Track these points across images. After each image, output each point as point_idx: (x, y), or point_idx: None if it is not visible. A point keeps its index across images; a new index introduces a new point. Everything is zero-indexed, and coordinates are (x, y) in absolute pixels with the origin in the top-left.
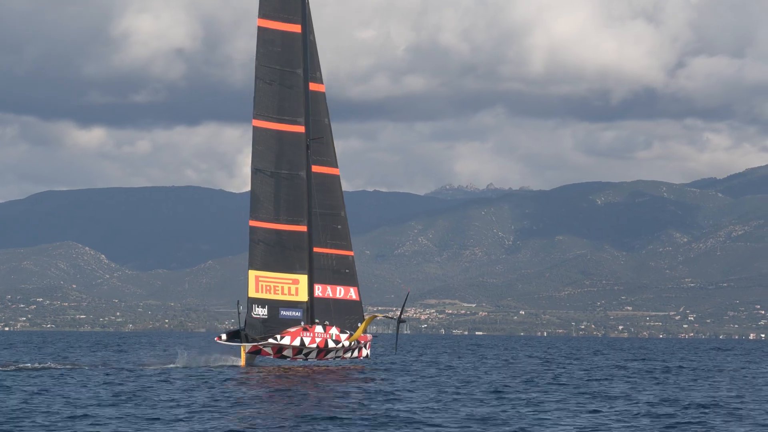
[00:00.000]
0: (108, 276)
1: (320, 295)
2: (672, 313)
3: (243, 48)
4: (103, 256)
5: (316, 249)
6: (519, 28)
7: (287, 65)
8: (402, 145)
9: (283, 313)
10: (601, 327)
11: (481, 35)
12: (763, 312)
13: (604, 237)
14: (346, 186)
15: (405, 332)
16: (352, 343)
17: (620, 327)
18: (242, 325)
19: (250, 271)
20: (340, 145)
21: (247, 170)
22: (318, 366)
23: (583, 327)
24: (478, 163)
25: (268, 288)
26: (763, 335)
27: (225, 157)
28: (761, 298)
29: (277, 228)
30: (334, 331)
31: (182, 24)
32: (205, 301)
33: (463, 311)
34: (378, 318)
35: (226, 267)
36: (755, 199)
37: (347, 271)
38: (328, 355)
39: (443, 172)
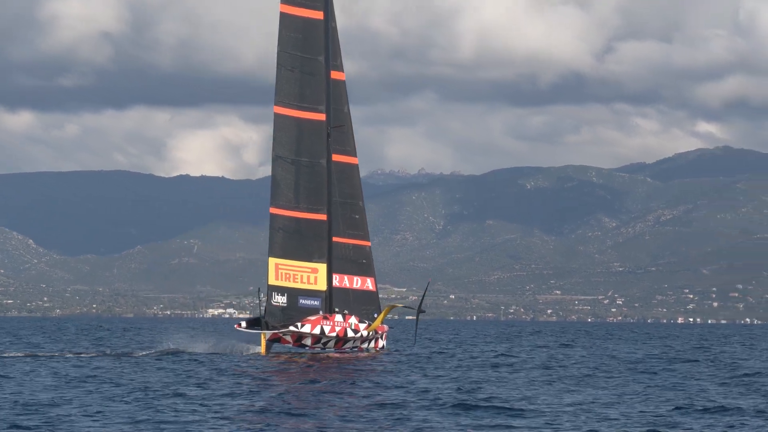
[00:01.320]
0: (36, 261)
1: (338, 284)
2: (600, 297)
3: (171, 31)
4: (30, 240)
5: (334, 238)
6: (448, 12)
7: (309, 52)
8: None
9: (302, 301)
10: (530, 311)
11: (411, 19)
12: (691, 296)
13: (534, 221)
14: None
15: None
16: (370, 333)
17: (549, 311)
18: (262, 312)
19: (270, 258)
20: (269, 129)
21: (177, 154)
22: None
23: (512, 311)
24: (409, 148)
25: (287, 276)
26: (691, 319)
27: (155, 142)
28: (689, 282)
29: (296, 216)
30: (353, 320)
31: (109, 7)
32: (134, 287)
33: (393, 296)
34: (397, 308)
35: (155, 252)
36: (684, 184)
37: (364, 261)
38: (346, 345)
39: (375, 156)
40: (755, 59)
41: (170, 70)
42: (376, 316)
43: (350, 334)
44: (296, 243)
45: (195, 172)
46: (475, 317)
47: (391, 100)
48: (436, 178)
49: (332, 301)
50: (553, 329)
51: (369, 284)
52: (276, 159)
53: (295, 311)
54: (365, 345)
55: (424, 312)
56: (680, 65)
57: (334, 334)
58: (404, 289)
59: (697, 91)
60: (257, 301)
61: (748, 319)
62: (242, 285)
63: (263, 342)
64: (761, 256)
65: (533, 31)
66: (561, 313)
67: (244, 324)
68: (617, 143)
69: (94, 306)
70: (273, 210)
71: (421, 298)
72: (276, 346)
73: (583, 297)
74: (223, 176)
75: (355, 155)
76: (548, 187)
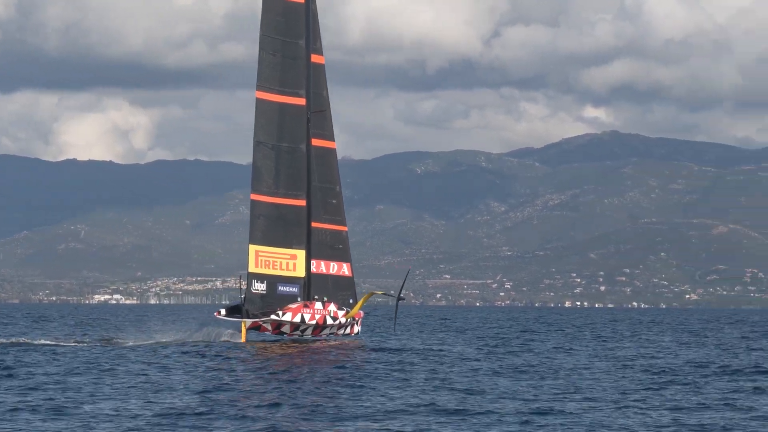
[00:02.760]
0: None
1: (315, 270)
2: (489, 281)
3: (58, 15)
4: None
5: (312, 224)
6: None
7: (290, 36)
8: (223, 113)
9: (281, 288)
10: (420, 295)
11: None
12: (578, 280)
13: (424, 206)
14: (166, 155)
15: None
16: (348, 319)
17: (438, 295)
18: (242, 300)
19: (250, 245)
20: (159, 113)
21: (64, 138)
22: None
23: (402, 295)
24: None
25: (267, 263)
26: (578, 303)
27: (41, 126)
28: (577, 266)
29: (276, 202)
30: (332, 307)
31: None
32: (20, 272)
33: None
34: (376, 294)
35: (42, 237)
36: (571, 169)
37: (341, 246)
38: (323, 332)
39: None
40: (641, 44)
41: (57, 53)
42: (352, 302)
43: (329, 321)
44: (276, 229)
45: (82, 157)
46: None
47: None
48: None
49: (311, 287)
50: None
51: (345, 269)
52: (257, 145)
53: (273, 298)
54: (341, 331)
55: (403, 299)
56: (567, 50)
57: (313, 322)
58: None
59: (583, 76)
60: (143, 288)
61: (635, 303)
62: (130, 271)
63: (243, 330)
64: (648, 240)
65: (421, 16)
66: (450, 297)
67: (223, 312)
68: (506, 128)
69: None
70: (254, 196)
71: (400, 285)
72: (254, 334)
73: (472, 281)
74: (111, 161)
75: (333, 139)
76: (438, 172)
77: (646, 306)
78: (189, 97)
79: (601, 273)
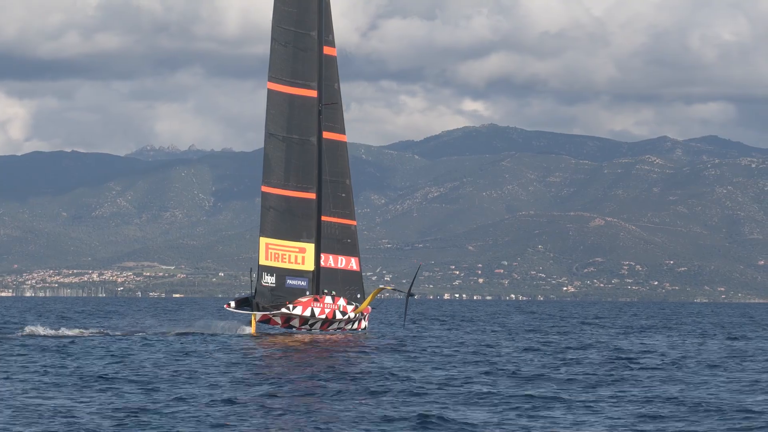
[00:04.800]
0: None
1: (323, 264)
2: (369, 273)
3: None
4: None
5: (322, 217)
6: None
7: (302, 27)
8: (100, 104)
9: (290, 281)
10: None
11: None
12: (457, 272)
13: None
14: (42, 146)
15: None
16: (356, 314)
17: None
18: (253, 292)
19: (261, 238)
20: (34, 104)
21: None
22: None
23: None
24: (179, 124)
25: (276, 256)
26: (457, 295)
27: None
28: (456, 258)
29: (286, 194)
30: (341, 302)
31: None
32: None
33: (161, 273)
34: (386, 289)
35: None
36: (451, 161)
37: (349, 241)
38: (331, 327)
39: (144, 132)
40: (517, 37)
41: None
42: (359, 296)
43: (338, 316)
44: (286, 222)
45: None
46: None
47: (157, 75)
48: (206, 155)
49: (319, 281)
50: None
51: (353, 264)
52: (268, 136)
53: (282, 291)
54: (349, 326)
55: (413, 295)
56: (442, 43)
57: (323, 316)
58: (172, 267)
59: (461, 69)
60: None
61: (513, 295)
62: (5, 263)
63: (253, 322)
64: (526, 232)
65: None
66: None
67: (233, 304)
68: (386, 121)
69: None
70: (264, 189)
71: (411, 281)
72: (264, 327)
73: None
74: None
75: (344, 132)
76: None
77: (524, 298)
78: (64, 88)
79: (480, 265)
